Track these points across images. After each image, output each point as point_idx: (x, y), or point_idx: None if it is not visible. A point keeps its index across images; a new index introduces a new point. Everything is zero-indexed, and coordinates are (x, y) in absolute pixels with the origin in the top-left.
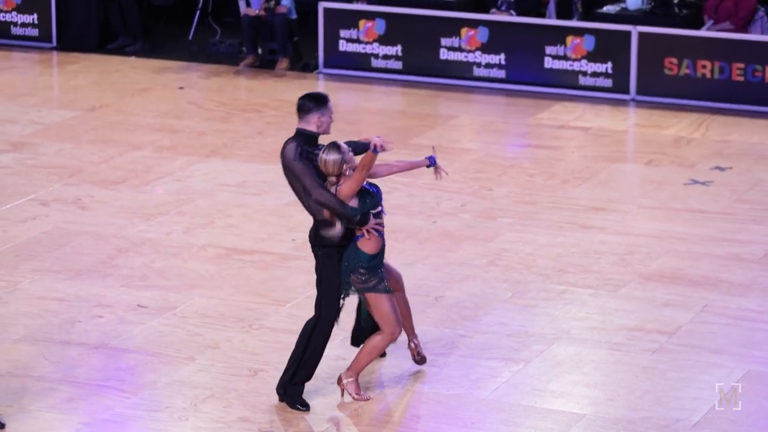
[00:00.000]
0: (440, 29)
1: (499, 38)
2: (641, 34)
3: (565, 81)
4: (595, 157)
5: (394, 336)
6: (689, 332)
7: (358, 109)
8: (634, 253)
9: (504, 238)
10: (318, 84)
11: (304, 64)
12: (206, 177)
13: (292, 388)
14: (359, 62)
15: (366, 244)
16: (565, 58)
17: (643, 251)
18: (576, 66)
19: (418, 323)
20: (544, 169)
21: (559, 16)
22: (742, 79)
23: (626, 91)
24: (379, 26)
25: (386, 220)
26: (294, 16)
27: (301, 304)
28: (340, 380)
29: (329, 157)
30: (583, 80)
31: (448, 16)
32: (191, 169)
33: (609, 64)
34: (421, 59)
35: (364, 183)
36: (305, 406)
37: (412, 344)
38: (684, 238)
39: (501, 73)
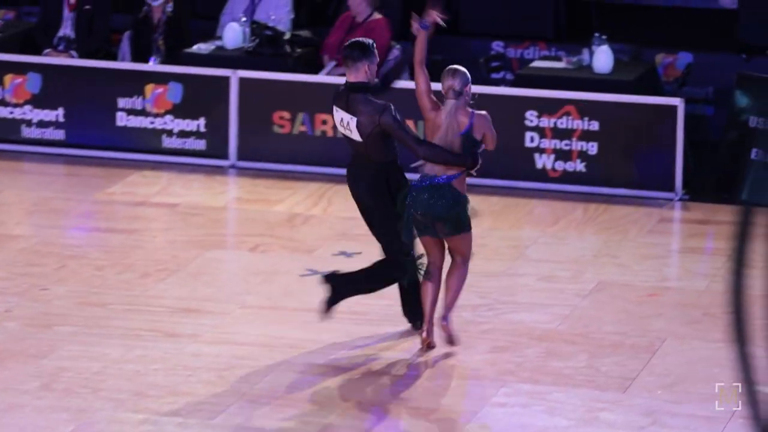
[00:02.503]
0: None
1: (55, 88)
2: (243, 81)
3: (145, 143)
4: (184, 243)
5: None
6: None
7: None
8: (236, 367)
9: (63, 353)
10: None
11: None
12: None
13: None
14: None
15: (461, 185)
16: (144, 113)
17: (249, 365)
18: (159, 123)
19: None
20: (118, 259)
21: (135, 58)
22: None
23: (224, 156)
24: None
25: None
26: None
27: None
28: (443, 324)
29: (455, 82)
30: (167, 142)
31: None
32: None
33: (202, 121)
34: None
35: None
36: None
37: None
38: (302, 347)
39: (59, 134)
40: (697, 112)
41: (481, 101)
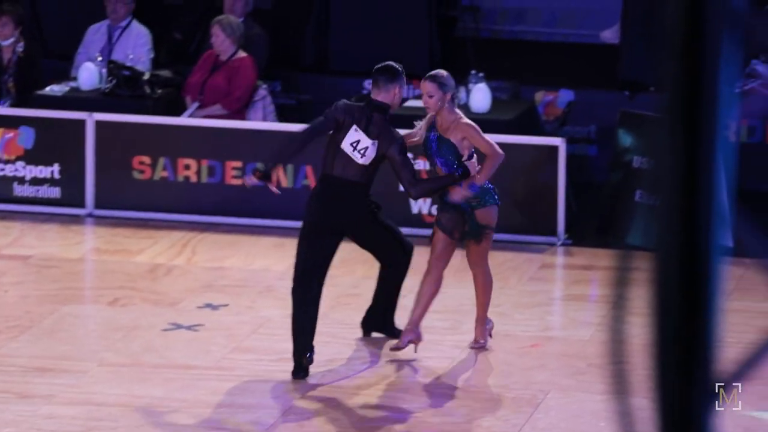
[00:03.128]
0: None
1: None
2: (100, 124)
3: None
4: (39, 297)
5: None
6: None
7: None
8: (94, 429)
9: None
10: None
11: None
12: None
13: (392, 322)
14: None
15: (457, 194)
16: None
17: (108, 427)
18: (9, 170)
19: None
20: None
21: None
22: (238, 182)
23: (81, 204)
24: None
25: None
26: None
27: None
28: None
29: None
30: (19, 190)
31: None
32: None
33: (56, 167)
34: None
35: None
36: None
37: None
38: (166, 406)
39: None
40: (579, 153)
41: None
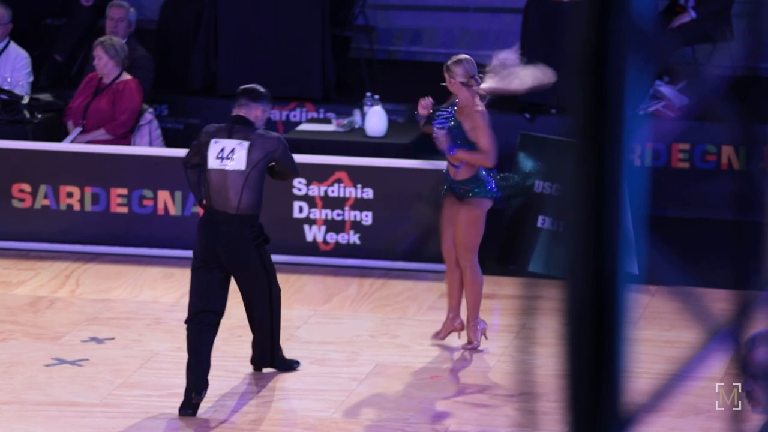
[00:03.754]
0: None
1: None
2: None
3: None
4: None
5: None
6: None
7: None
8: None
9: None
10: None
11: None
12: None
13: (280, 356)
14: None
15: (472, 170)
16: None
17: None
18: None
19: None
20: None
21: None
22: (124, 210)
23: None
24: None
25: None
26: None
27: None
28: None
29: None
30: None
31: None
32: None
33: None
34: None
35: None
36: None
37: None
38: None
39: None
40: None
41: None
